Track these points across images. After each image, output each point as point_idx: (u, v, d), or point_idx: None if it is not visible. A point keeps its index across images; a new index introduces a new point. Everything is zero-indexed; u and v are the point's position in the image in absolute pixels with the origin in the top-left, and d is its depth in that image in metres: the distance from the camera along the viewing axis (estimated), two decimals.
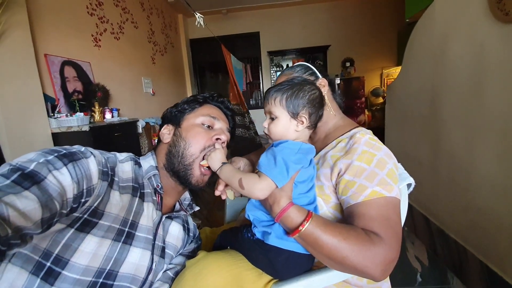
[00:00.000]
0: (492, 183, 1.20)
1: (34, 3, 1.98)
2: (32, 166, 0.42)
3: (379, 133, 0.67)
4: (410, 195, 0.71)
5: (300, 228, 0.53)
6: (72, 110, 2.21)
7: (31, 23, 1.82)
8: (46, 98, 1.96)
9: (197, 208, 0.80)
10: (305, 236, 0.53)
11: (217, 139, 0.68)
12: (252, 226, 0.63)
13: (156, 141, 0.78)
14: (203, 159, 0.66)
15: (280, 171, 0.53)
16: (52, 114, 1.99)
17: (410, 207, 1.92)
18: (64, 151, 0.49)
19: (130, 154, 0.68)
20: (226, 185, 0.68)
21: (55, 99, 2.13)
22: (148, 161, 0.69)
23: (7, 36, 1.62)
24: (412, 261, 1.58)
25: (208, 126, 0.70)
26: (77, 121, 2.00)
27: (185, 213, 0.76)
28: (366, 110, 5.14)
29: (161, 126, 0.75)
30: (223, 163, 0.62)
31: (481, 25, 1.22)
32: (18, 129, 1.67)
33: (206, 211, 2.36)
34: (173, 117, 0.73)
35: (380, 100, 5.11)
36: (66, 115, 2.01)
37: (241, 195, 0.76)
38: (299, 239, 0.55)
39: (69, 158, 0.48)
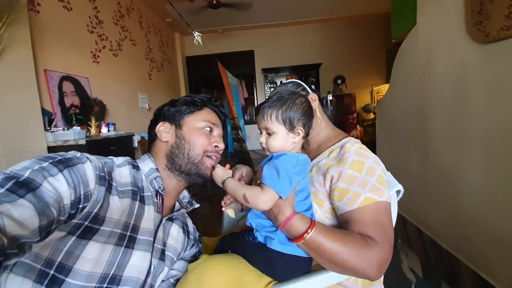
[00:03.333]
0: (478, 192, 1.26)
1: (37, 21, 2.04)
2: (26, 174, 0.41)
3: (371, 147, 0.72)
4: (402, 207, 0.76)
5: (305, 235, 0.56)
6: (68, 124, 2.23)
7: (33, 39, 1.87)
8: (44, 112, 1.98)
9: (197, 205, 0.80)
10: (308, 242, 0.57)
11: (215, 146, 0.72)
12: (254, 230, 0.65)
13: (148, 140, 0.77)
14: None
15: (284, 183, 0.56)
16: (49, 128, 2.00)
17: (403, 219, 1.96)
18: (59, 157, 0.48)
19: (127, 158, 0.68)
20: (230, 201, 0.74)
21: (52, 113, 2.16)
22: (147, 164, 0.68)
23: (9, 52, 1.66)
24: (407, 272, 1.59)
25: (209, 129, 0.74)
26: (74, 135, 2.01)
27: (185, 211, 0.78)
28: (358, 126, 5.27)
29: (154, 122, 0.74)
30: (226, 179, 0.66)
31: (460, 45, 1.33)
32: (14, 142, 1.67)
33: (202, 226, 2.34)
34: (171, 115, 0.72)
35: (371, 115, 5.26)
36: (63, 129, 2.02)
37: (242, 210, 0.80)
38: (303, 245, 0.58)
39: (65, 164, 0.47)
